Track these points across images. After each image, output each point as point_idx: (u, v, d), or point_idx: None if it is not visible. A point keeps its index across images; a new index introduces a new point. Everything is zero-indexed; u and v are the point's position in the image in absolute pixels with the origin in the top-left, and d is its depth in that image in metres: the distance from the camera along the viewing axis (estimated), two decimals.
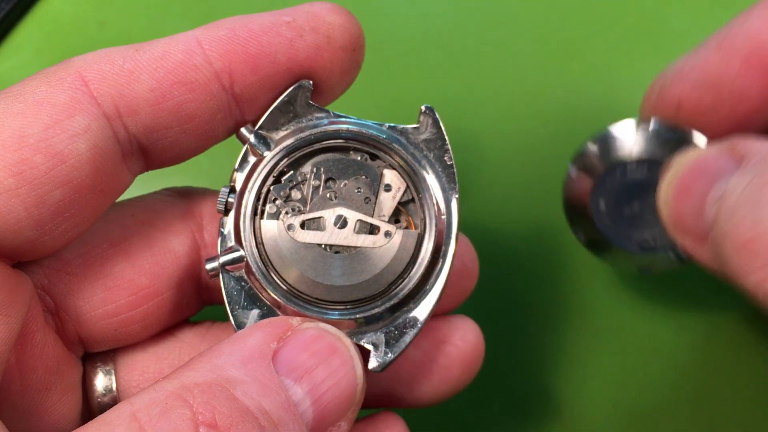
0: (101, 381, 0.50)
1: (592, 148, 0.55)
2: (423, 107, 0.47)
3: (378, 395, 0.52)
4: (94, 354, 0.51)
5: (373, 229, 0.46)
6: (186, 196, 0.52)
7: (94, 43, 0.75)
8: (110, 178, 0.44)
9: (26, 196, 0.40)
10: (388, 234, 0.46)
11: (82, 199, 0.42)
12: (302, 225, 0.46)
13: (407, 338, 0.45)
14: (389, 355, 0.45)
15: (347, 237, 0.46)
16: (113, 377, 0.51)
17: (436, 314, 0.50)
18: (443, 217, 0.46)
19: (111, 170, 0.43)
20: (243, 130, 0.46)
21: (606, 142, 0.54)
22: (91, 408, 0.50)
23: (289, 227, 0.46)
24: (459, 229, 0.46)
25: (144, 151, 0.45)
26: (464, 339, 0.51)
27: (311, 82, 0.46)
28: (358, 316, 0.45)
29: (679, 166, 0.46)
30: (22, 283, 0.44)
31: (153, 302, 0.49)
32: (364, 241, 0.46)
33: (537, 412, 0.68)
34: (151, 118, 0.43)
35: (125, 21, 0.78)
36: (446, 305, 0.53)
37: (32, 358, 0.45)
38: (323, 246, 0.46)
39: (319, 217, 0.46)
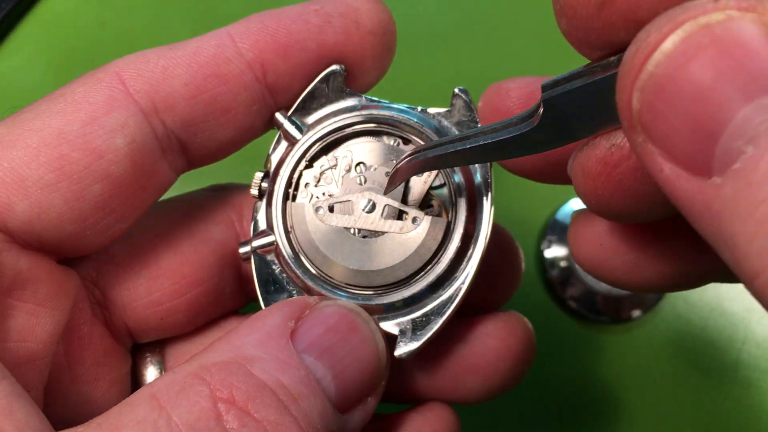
0: (150, 372, 0.51)
1: None
2: (455, 89, 0.47)
3: (423, 390, 0.51)
4: (143, 346, 0.52)
5: (401, 215, 0.46)
6: (228, 190, 0.53)
7: (94, 43, 0.76)
8: (150, 173, 0.45)
9: (66, 191, 0.41)
10: (415, 220, 0.45)
11: (122, 194, 0.43)
12: (330, 208, 0.46)
13: (435, 325, 0.45)
14: (416, 342, 0.45)
15: (375, 222, 0.45)
16: (162, 368, 0.51)
17: (483, 309, 0.50)
18: (475, 203, 0.46)
19: (150, 165, 0.44)
20: (277, 114, 0.47)
21: None
22: None
23: (317, 209, 0.46)
24: (492, 214, 0.46)
25: (183, 146, 0.46)
26: (512, 334, 0.50)
27: (343, 66, 0.46)
28: (385, 301, 0.45)
29: (687, 29, 0.26)
30: (68, 277, 0.45)
31: (196, 290, 0.49)
32: (391, 226, 0.45)
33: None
34: (188, 112, 0.44)
35: (125, 21, 0.79)
36: (493, 300, 0.53)
37: (80, 350, 0.46)
38: (351, 230, 0.46)
39: (348, 201, 0.46)
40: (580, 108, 0.33)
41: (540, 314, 0.71)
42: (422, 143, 0.46)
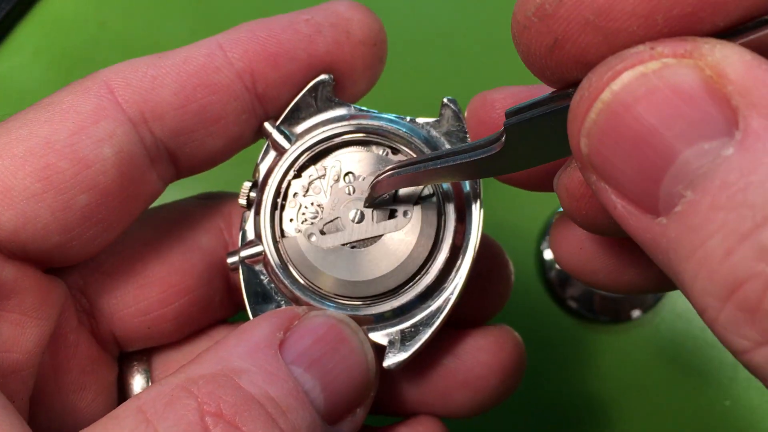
0: (137, 381, 0.51)
1: None
2: (444, 99, 0.46)
3: (414, 403, 0.51)
4: (130, 354, 0.51)
5: (392, 213, 0.46)
6: (217, 198, 0.53)
7: (94, 43, 0.76)
8: (138, 183, 0.44)
9: (52, 201, 0.41)
10: (406, 213, 0.45)
11: (109, 204, 0.43)
12: (322, 231, 0.46)
13: (423, 337, 0.45)
14: (405, 352, 0.44)
15: (368, 229, 0.45)
16: (149, 377, 0.51)
17: (474, 322, 0.49)
18: (464, 213, 0.46)
19: (138, 175, 0.44)
20: (266, 124, 0.46)
21: None
22: None
23: (310, 236, 0.46)
24: (481, 225, 0.46)
25: (172, 156, 0.46)
26: (503, 348, 0.50)
27: (331, 76, 0.46)
28: (374, 312, 0.45)
29: (625, 79, 0.27)
30: (55, 286, 0.45)
31: (184, 299, 0.49)
32: (386, 227, 0.45)
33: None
34: (177, 121, 0.44)
35: (125, 21, 0.79)
36: (483, 313, 0.52)
37: (66, 359, 0.46)
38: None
39: (336, 218, 0.46)
40: (542, 135, 0.34)
41: (540, 314, 0.71)
42: (412, 153, 0.46)
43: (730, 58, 0.26)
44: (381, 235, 0.45)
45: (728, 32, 0.28)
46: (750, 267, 0.24)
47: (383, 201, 0.46)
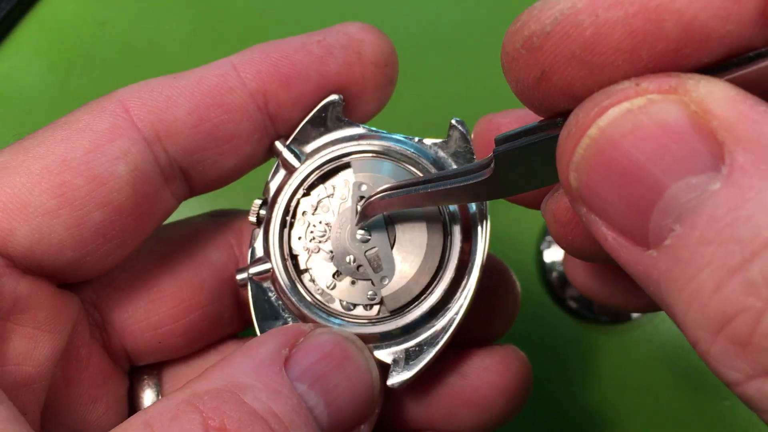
0: (147, 395, 0.51)
1: None
2: (452, 121, 0.47)
3: (418, 421, 0.51)
4: (140, 368, 0.52)
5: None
6: (228, 215, 0.53)
7: (94, 43, 0.76)
8: (152, 200, 0.45)
9: (67, 217, 0.41)
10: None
11: (123, 221, 0.43)
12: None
13: (427, 356, 0.45)
14: (409, 371, 0.45)
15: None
16: (159, 391, 0.51)
17: (480, 342, 0.50)
18: (470, 232, 0.46)
19: (152, 193, 0.45)
20: (276, 143, 0.47)
21: None
22: None
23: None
24: (487, 245, 0.46)
25: (186, 174, 0.46)
26: (510, 369, 0.50)
27: (341, 96, 0.46)
28: (379, 330, 0.45)
29: (611, 116, 0.27)
30: (68, 301, 0.45)
31: (195, 314, 0.50)
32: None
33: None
34: (190, 140, 0.45)
35: (125, 21, 0.78)
36: (489, 333, 0.52)
37: (78, 372, 0.46)
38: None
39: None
40: (531, 163, 0.34)
41: (540, 314, 0.71)
42: (419, 173, 0.46)
43: (714, 94, 0.26)
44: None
45: (713, 68, 0.28)
46: (740, 301, 0.24)
47: (378, 221, 0.46)
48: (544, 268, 0.72)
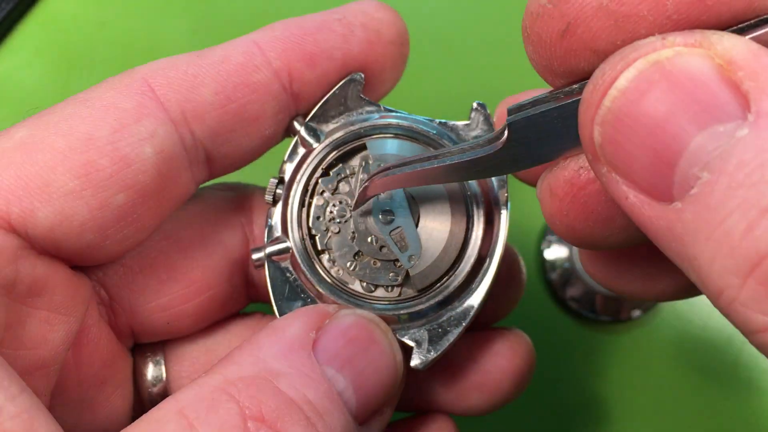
0: (151, 371, 0.50)
1: None
2: (475, 104, 0.47)
3: (429, 402, 0.52)
4: (143, 344, 0.51)
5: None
6: (237, 190, 0.52)
7: (94, 43, 0.76)
8: (174, 184, 0.44)
9: (90, 199, 0.40)
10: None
11: (145, 204, 0.42)
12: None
13: (451, 337, 0.45)
14: (432, 353, 0.45)
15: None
16: (163, 367, 0.51)
17: (486, 322, 0.50)
18: (492, 216, 0.46)
19: (176, 176, 0.44)
20: (294, 122, 0.46)
21: None
22: (142, 398, 0.50)
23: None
24: (507, 229, 0.46)
25: (209, 156, 0.45)
26: (518, 354, 0.51)
27: (362, 75, 0.46)
28: (402, 312, 0.45)
29: (639, 66, 0.28)
30: (82, 284, 0.44)
31: (205, 296, 0.49)
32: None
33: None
34: (216, 121, 0.44)
35: (125, 21, 0.78)
36: (494, 315, 0.53)
37: (88, 353, 0.45)
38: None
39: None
40: (544, 132, 0.34)
41: (540, 314, 0.71)
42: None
43: (738, 47, 0.27)
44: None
45: (733, 30, 0.29)
46: None
47: (400, 200, 0.46)
48: (544, 268, 0.72)
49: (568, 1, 0.30)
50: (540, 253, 0.73)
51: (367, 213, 0.46)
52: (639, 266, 0.42)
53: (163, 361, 0.51)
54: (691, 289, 0.42)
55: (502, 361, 0.51)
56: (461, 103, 0.49)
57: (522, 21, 0.33)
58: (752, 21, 0.29)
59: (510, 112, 0.35)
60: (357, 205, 0.45)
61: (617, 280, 0.43)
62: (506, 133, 0.35)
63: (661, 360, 0.70)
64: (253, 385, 0.37)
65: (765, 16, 0.29)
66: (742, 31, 0.29)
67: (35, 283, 0.41)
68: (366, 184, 0.43)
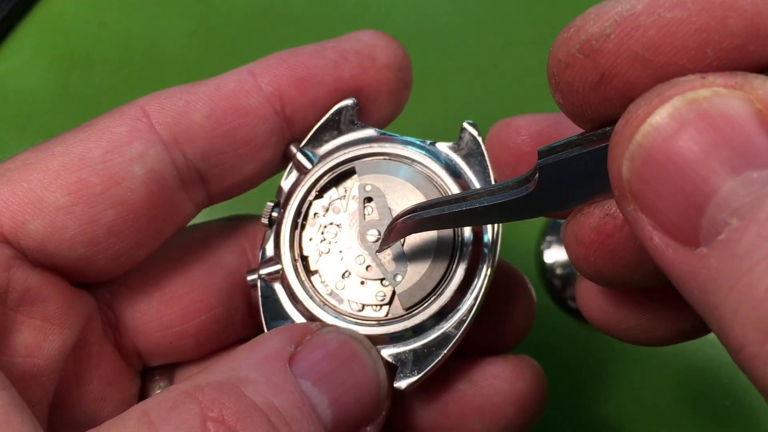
0: None
1: None
2: (464, 123, 0.47)
3: (429, 428, 0.50)
4: (153, 369, 0.52)
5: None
6: (242, 220, 0.54)
7: (94, 43, 0.75)
8: (168, 203, 0.46)
9: (80, 214, 0.42)
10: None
11: (137, 221, 0.44)
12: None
13: (435, 358, 0.45)
14: (416, 374, 0.44)
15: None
16: None
17: (493, 351, 0.49)
18: (480, 232, 0.46)
19: (168, 195, 0.45)
20: (291, 146, 0.48)
21: None
22: None
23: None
24: (498, 246, 0.46)
25: (203, 178, 0.47)
26: (521, 378, 0.49)
27: (355, 100, 0.47)
28: (387, 331, 0.45)
29: (675, 104, 0.27)
30: (80, 298, 0.46)
31: (206, 315, 0.50)
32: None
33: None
34: (208, 143, 0.45)
35: (125, 21, 0.78)
36: (503, 343, 0.52)
37: (89, 369, 0.46)
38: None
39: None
40: (575, 176, 0.33)
41: (540, 314, 0.71)
42: (431, 175, 0.46)
43: None
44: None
45: None
46: None
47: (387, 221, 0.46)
48: (544, 269, 0.72)
49: (600, 51, 0.29)
50: (540, 253, 0.73)
51: (354, 232, 0.46)
52: (644, 306, 0.41)
53: (171, 385, 0.51)
54: (690, 333, 0.41)
55: (503, 384, 0.49)
56: (455, 123, 0.48)
57: (547, 67, 0.32)
58: None
59: (541, 154, 0.34)
60: (382, 247, 0.45)
61: (619, 322, 0.42)
62: (537, 176, 0.34)
63: (661, 360, 0.70)
64: (218, 389, 0.37)
65: None
66: None
67: (28, 292, 0.42)
68: (392, 226, 0.43)
